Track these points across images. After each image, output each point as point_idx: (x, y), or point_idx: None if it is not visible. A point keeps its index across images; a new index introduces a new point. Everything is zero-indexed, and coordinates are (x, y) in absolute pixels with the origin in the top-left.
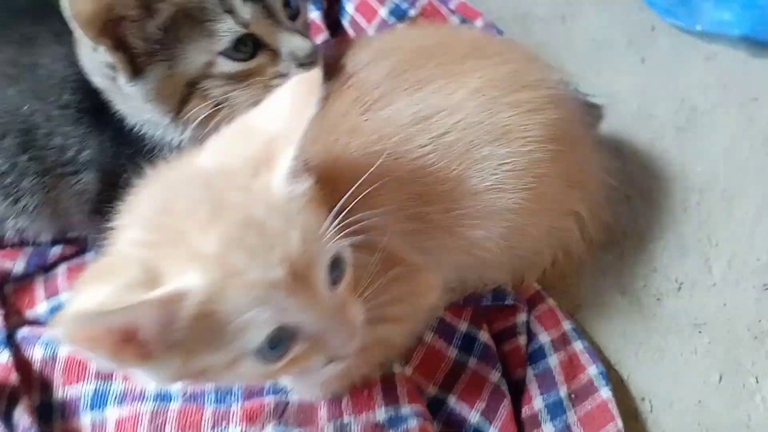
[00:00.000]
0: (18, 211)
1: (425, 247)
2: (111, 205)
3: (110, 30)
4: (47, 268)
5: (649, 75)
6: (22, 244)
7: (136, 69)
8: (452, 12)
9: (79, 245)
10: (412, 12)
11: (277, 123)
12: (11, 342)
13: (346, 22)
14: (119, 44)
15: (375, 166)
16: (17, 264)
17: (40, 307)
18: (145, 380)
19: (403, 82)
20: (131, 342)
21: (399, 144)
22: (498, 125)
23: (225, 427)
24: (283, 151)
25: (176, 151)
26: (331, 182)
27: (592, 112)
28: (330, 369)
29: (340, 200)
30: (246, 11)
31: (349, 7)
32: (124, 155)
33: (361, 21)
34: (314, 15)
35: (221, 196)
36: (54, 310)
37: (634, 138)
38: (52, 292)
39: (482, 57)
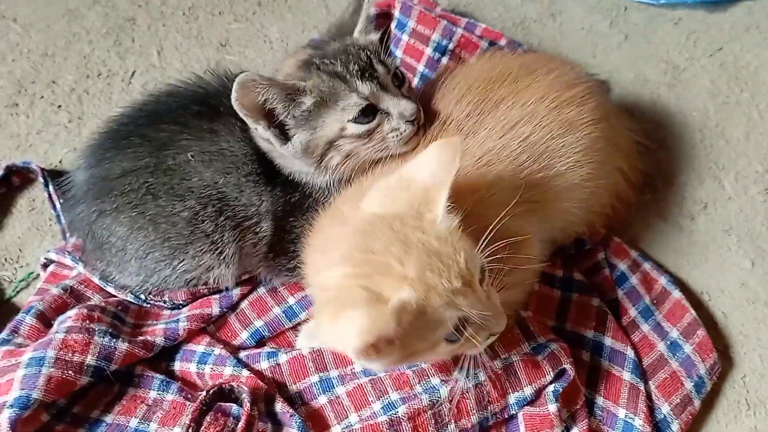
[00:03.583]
0: (221, 260)
1: (532, 220)
2: (280, 245)
3: (265, 114)
4: (233, 307)
5: (634, 47)
6: (211, 293)
7: (286, 136)
8: (480, 38)
9: (250, 284)
10: (451, 45)
11: (428, 175)
12: (241, 363)
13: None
14: (272, 122)
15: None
16: (213, 308)
17: (242, 335)
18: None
19: (485, 106)
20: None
21: (498, 152)
22: (564, 120)
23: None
24: (438, 196)
25: (322, 191)
26: (459, 198)
27: (602, 87)
28: (490, 340)
29: (466, 210)
30: (365, 88)
31: (398, 52)
32: (290, 202)
33: (411, 61)
34: None
35: (404, 235)
36: (254, 335)
37: (638, 101)
38: (246, 323)
39: (531, 73)
